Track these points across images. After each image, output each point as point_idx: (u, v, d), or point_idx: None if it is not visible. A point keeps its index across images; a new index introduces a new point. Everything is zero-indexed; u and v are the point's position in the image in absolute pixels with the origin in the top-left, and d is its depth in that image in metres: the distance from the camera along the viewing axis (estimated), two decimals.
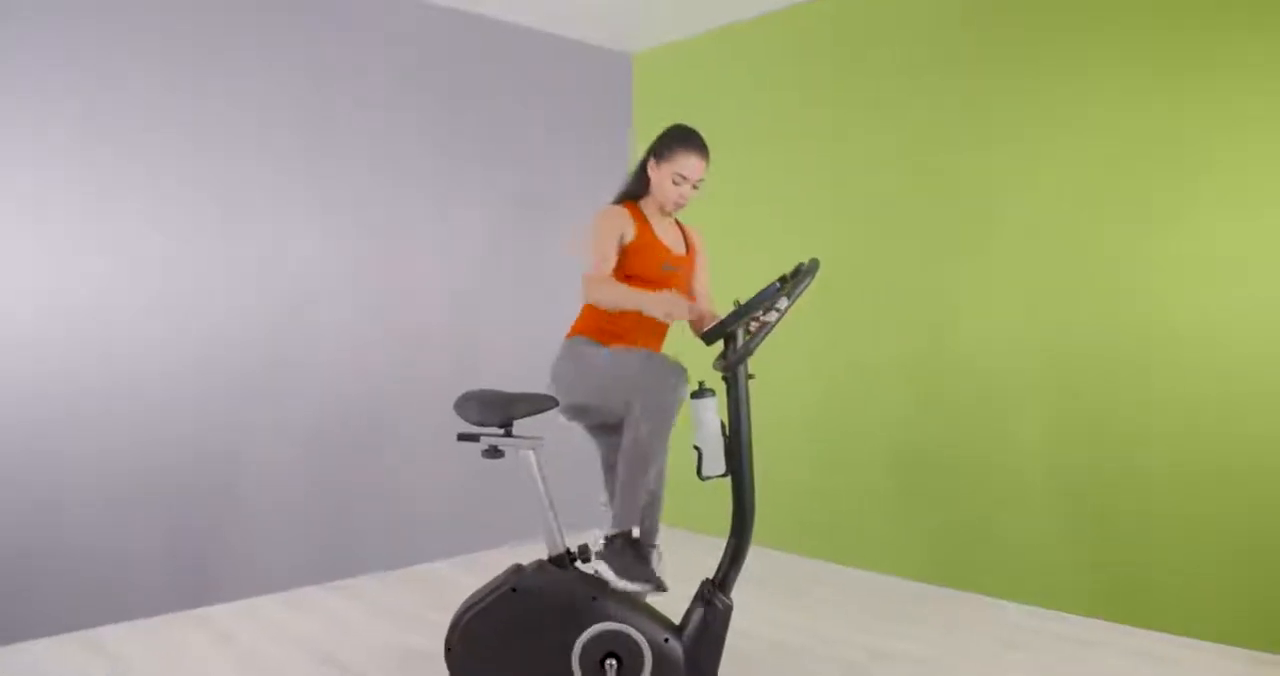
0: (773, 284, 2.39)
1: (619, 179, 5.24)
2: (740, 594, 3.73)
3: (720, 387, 2.47)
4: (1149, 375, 3.41)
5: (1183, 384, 3.33)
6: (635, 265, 2.69)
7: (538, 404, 2.47)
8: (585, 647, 2.39)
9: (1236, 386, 3.22)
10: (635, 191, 2.82)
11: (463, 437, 2.50)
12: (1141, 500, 3.43)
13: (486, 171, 4.65)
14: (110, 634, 3.42)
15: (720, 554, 2.52)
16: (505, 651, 2.41)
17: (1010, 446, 3.78)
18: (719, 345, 4.76)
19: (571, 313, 4.97)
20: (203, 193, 3.74)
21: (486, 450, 2.46)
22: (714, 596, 2.45)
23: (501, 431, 2.47)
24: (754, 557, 4.33)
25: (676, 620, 2.48)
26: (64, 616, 3.41)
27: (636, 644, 2.39)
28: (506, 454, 2.49)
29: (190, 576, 3.71)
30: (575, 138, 5.05)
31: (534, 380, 4.73)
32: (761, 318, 2.38)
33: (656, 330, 2.78)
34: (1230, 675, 2.99)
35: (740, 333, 2.43)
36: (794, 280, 2.37)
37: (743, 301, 2.42)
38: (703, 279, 2.97)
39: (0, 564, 3.28)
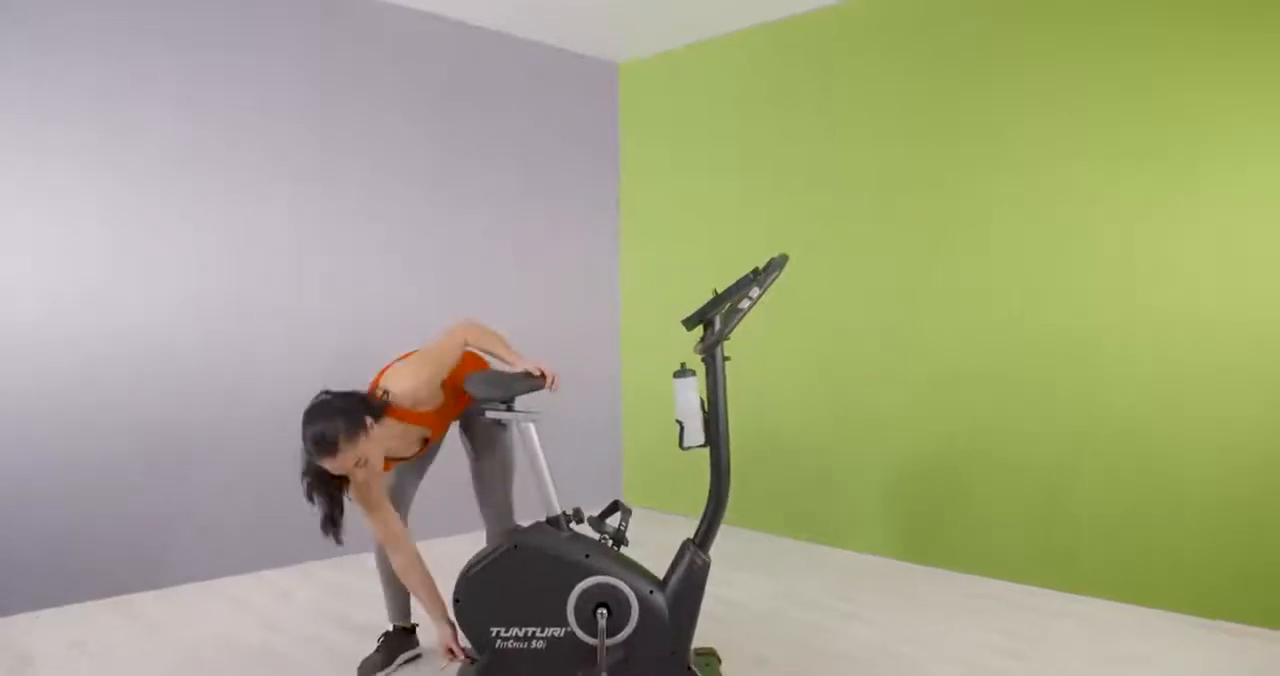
0: (746, 276, 2.70)
1: (606, 184, 5.53)
2: (724, 570, 4.02)
3: (700, 368, 2.77)
4: (1100, 365, 3.73)
5: (1133, 372, 3.65)
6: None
7: (534, 383, 2.77)
8: (579, 599, 2.68)
9: (1186, 374, 3.54)
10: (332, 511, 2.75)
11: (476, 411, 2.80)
12: (1090, 481, 3.74)
13: (475, 175, 4.91)
14: (141, 600, 3.71)
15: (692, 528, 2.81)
16: (507, 602, 2.70)
17: (973, 434, 4.08)
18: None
19: (558, 319, 5.21)
20: (178, 184, 3.98)
21: (491, 423, 2.76)
22: (694, 554, 2.75)
23: (504, 407, 2.77)
24: (739, 540, 4.63)
25: (660, 575, 2.77)
26: (99, 583, 3.71)
27: (625, 595, 2.68)
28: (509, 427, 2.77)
29: (202, 549, 4.00)
30: (563, 143, 5.32)
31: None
32: (736, 305, 2.67)
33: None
34: (1172, 637, 3.31)
35: (718, 319, 2.73)
36: (765, 272, 2.67)
37: (721, 291, 2.71)
38: (457, 356, 2.78)
39: (48, 535, 3.57)
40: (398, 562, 2.85)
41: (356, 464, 2.56)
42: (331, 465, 2.54)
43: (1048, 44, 3.86)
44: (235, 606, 3.65)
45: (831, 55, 4.60)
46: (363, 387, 2.73)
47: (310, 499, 2.65)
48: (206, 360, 4.00)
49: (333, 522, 2.69)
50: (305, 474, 2.63)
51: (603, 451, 5.54)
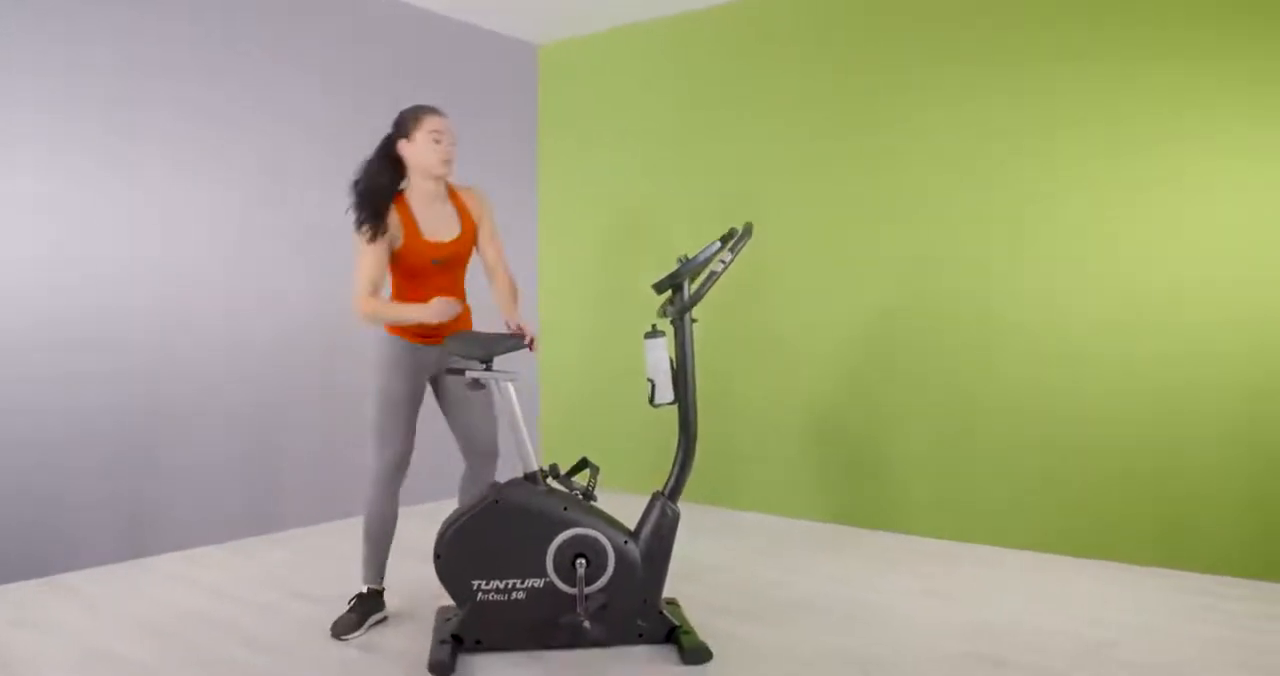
0: (713, 243, 2.88)
1: (524, 165, 5.62)
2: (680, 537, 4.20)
3: (669, 330, 2.94)
4: (997, 335, 4.10)
5: (1027, 340, 4.03)
6: (406, 266, 2.95)
7: (514, 343, 2.88)
8: (558, 550, 2.80)
9: (1077, 338, 3.94)
10: (391, 183, 2.92)
11: (451, 372, 2.88)
12: (993, 441, 4.11)
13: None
14: (72, 579, 3.59)
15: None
16: (488, 555, 2.79)
17: (887, 405, 4.40)
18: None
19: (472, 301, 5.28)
20: (127, 164, 3.94)
21: (470, 382, 2.85)
22: (664, 505, 2.91)
23: (483, 366, 2.86)
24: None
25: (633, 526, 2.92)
26: (25, 563, 3.58)
27: (602, 545, 2.82)
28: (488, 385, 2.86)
29: (140, 527, 3.90)
30: (481, 124, 5.35)
31: None
32: (711, 268, 2.85)
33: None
34: (1048, 576, 3.69)
35: (686, 283, 2.90)
36: (735, 239, 2.86)
37: (690, 257, 2.87)
38: (492, 249, 3.11)
39: None
40: (367, 308, 2.87)
41: (454, 139, 2.97)
42: (442, 120, 2.96)
43: (954, 38, 4.20)
44: (177, 581, 3.58)
45: (753, 44, 4.83)
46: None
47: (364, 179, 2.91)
48: (145, 341, 3.89)
49: (375, 212, 2.86)
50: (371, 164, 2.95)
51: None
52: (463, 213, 3.05)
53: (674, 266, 2.91)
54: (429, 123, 2.90)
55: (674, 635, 2.86)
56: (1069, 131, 3.92)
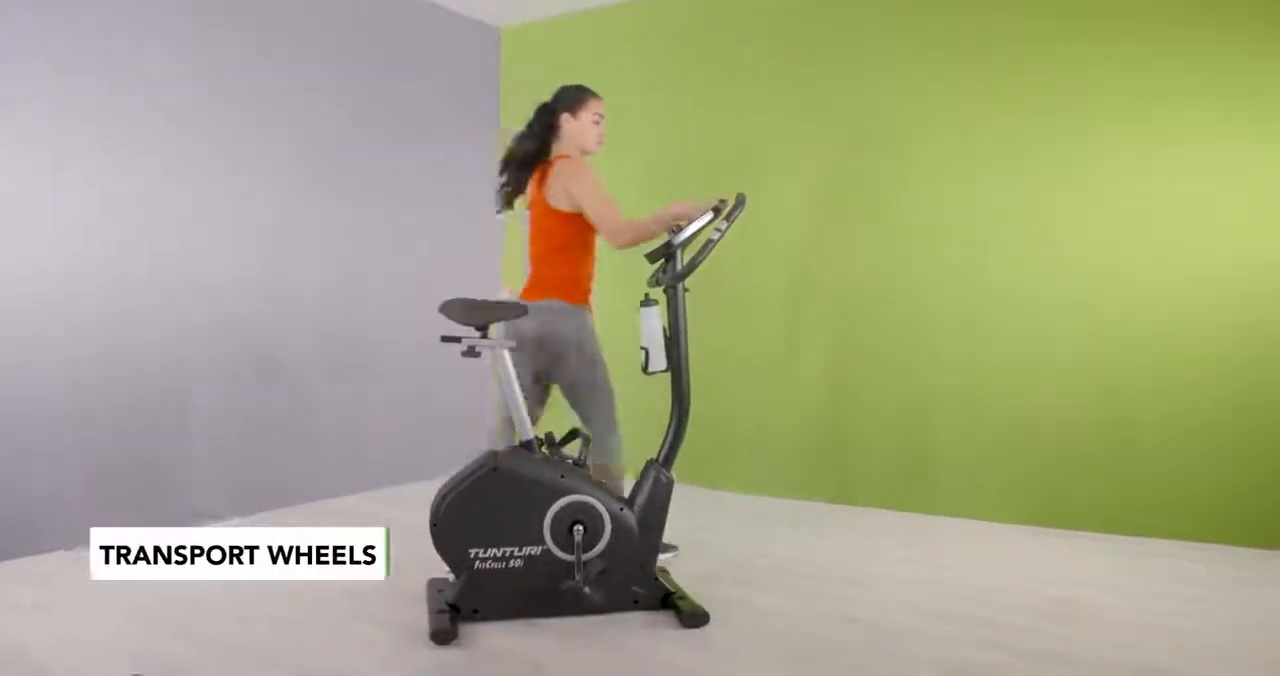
0: (705, 212, 2.91)
1: (486, 149, 5.57)
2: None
3: (661, 299, 2.97)
4: (978, 324, 4.22)
5: (969, 326, 4.16)
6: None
7: (512, 310, 2.88)
8: (555, 516, 2.81)
9: (1016, 326, 4.08)
10: (544, 151, 3.20)
11: (445, 339, 2.85)
12: (945, 423, 4.23)
13: (347, 134, 4.77)
14: (37, 564, 3.48)
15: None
16: (485, 523, 2.79)
17: (849, 390, 4.50)
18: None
19: (436, 283, 5.26)
20: (106, 141, 3.83)
21: (466, 351, 2.83)
22: (659, 472, 2.94)
23: (479, 334, 2.84)
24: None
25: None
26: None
27: (598, 512, 2.84)
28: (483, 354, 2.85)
29: (112, 512, 3.79)
30: (441, 107, 5.32)
31: (416, 326, 4.99)
32: (708, 237, 2.88)
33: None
34: (1008, 544, 3.82)
35: (679, 252, 2.93)
36: (730, 208, 2.90)
37: (681, 225, 2.90)
38: None
39: None
40: (625, 231, 2.98)
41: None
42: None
43: (904, 28, 4.32)
44: None
45: (719, 28, 4.87)
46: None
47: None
48: (130, 322, 3.78)
49: (515, 184, 3.19)
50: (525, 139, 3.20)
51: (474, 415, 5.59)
52: None
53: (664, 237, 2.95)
54: (594, 105, 3.21)
55: (670, 600, 2.89)
56: (1042, 117, 4.04)
